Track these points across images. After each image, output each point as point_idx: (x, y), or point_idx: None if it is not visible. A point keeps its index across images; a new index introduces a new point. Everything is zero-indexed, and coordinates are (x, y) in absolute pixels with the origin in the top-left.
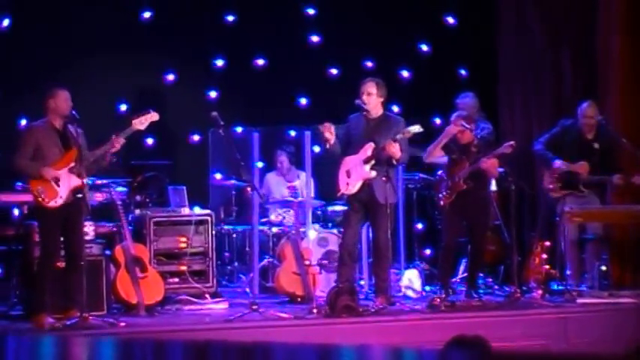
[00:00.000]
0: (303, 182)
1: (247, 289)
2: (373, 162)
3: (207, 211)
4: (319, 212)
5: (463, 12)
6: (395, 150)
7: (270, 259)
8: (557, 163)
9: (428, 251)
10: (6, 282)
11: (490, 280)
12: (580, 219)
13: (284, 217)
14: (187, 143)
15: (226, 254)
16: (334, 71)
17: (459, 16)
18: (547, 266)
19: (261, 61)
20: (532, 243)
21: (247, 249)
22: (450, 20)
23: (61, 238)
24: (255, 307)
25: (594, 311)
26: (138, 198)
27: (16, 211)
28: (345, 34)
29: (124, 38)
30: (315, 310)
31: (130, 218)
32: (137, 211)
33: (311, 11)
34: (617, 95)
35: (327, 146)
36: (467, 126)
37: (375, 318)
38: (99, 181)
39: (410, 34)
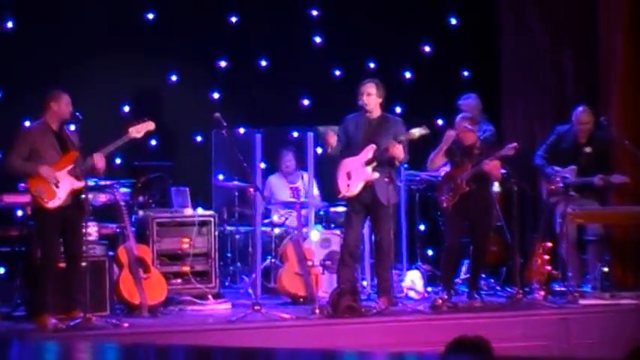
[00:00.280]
0: (306, 183)
1: (250, 290)
2: (375, 164)
3: (210, 212)
4: (322, 213)
5: (465, 13)
6: (399, 151)
7: (273, 260)
8: (553, 174)
9: (430, 252)
10: (9, 283)
11: (492, 281)
12: (581, 220)
13: (286, 218)
14: (190, 144)
15: (229, 255)
16: (337, 72)
17: (461, 17)
18: (549, 267)
19: (263, 62)
20: (534, 244)
21: (250, 250)
22: (452, 21)
23: (60, 240)
24: (257, 307)
25: (596, 312)
26: (141, 199)
27: (19, 212)
28: (347, 35)
29: (127, 39)
30: (317, 311)
31: (133, 219)
32: (140, 212)
33: (314, 12)
34: (620, 95)
35: (329, 150)
36: (470, 127)
37: (378, 319)
38: (102, 182)
39: (412, 35)
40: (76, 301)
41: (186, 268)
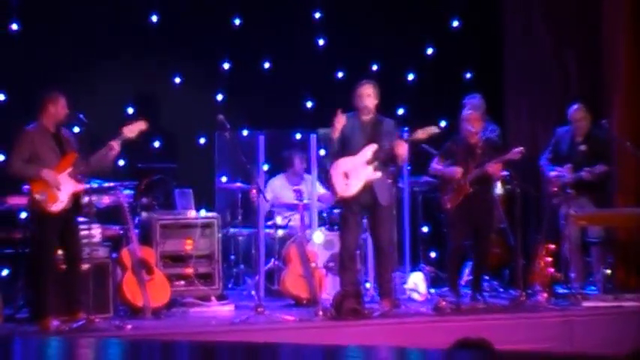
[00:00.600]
0: (309, 185)
1: (253, 292)
2: (376, 163)
3: (214, 214)
4: (325, 215)
5: (467, 15)
6: (404, 150)
7: (276, 262)
8: (552, 174)
9: (433, 254)
10: (12, 285)
11: (495, 283)
12: (584, 222)
13: (290, 220)
14: (193, 146)
15: (232, 257)
16: (340, 74)
17: (464, 19)
18: (552, 269)
19: (267, 65)
20: (537, 246)
21: (253, 252)
22: (455, 23)
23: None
24: (260, 309)
25: (599, 314)
26: (144, 201)
27: (22, 215)
28: (350, 37)
29: (131, 42)
30: (320, 313)
31: (136, 221)
32: (144, 214)
33: (317, 15)
34: (623, 95)
35: (335, 135)
36: (473, 129)
37: (381, 321)
38: (106, 184)
39: (415, 37)
40: (79, 303)
41: (190, 270)
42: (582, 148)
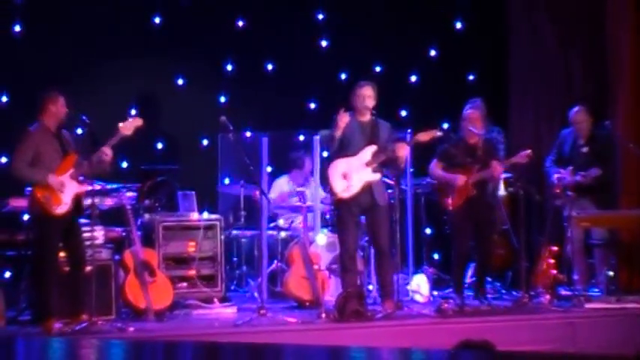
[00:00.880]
0: (312, 187)
1: (256, 294)
2: (375, 165)
3: (216, 216)
4: (327, 217)
5: (471, 16)
6: (406, 152)
7: (279, 264)
8: (554, 177)
9: (436, 256)
10: (15, 287)
11: (498, 284)
12: (587, 224)
13: (292, 222)
14: (197, 148)
15: (235, 259)
16: (343, 76)
17: (467, 20)
18: (555, 271)
19: (270, 66)
20: (540, 248)
21: (256, 254)
22: (458, 25)
23: (60, 245)
24: (263, 311)
25: (602, 316)
26: (147, 203)
27: (25, 216)
28: (353, 38)
29: (134, 43)
30: (323, 315)
31: (139, 223)
32: (146, 216)
33: (320, 16)
34: (628, 95)
35: (338, 133)
36: (475, 130)
37: (384, 323)
38: (109, 186)
39: (418, 38)
40: (82, 304)
41: (192, 272)
42: (584, 150)
